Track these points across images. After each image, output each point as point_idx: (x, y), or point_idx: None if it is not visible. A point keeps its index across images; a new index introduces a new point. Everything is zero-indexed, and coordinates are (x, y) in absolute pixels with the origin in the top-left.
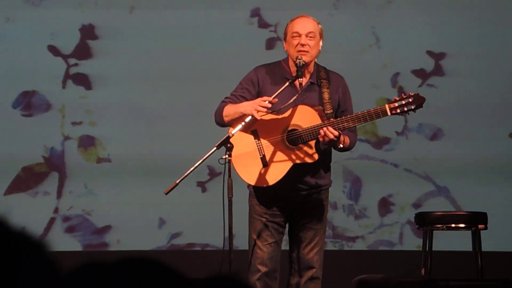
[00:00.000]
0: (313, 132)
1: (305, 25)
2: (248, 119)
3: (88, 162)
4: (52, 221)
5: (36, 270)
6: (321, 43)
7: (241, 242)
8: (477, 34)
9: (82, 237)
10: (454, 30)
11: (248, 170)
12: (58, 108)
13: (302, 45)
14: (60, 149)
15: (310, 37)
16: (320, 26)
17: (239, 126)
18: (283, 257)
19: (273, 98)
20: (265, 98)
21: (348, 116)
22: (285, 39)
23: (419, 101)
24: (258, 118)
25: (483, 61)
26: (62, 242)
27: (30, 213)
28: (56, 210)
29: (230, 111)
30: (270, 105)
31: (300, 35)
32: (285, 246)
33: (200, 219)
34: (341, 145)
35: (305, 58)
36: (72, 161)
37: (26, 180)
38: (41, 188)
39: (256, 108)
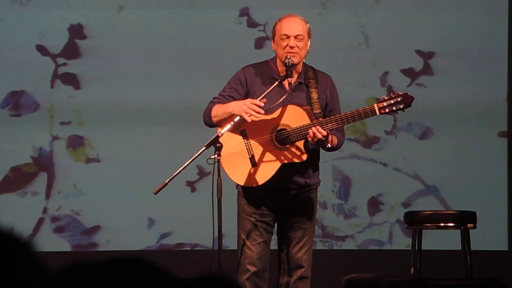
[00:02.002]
0: (302, 132)
1: (293, 27)
2: (237, 119)
3: (77, 162)
4: (41, 221)
5: (23, 271)
6: (309, 43)
7: (231, 242)
8: (466, 34)
9: (71, 237)
10: (443, 30)
11: (236, 170)
12: (46, 108)
13: (291, 47)
14: (49, 149)
15: (299, 39)
16: (308, 25)
17: (228, 126)
18: (272, 257)
19: (262, 99)
20: (254, 101)
21: (337, 115)
22: (273, 38)
23: (407, 100)
24: (249, 120)
25: (472, 60)
26: (51, 242)
27: (18, 213)
28: (45, 210)
29: (219, 111)
30: (262, 111)
31: (288, 37)
32: (274, 245)
33: (189, 219)
34: (329, 145)
35: (294, 60)
36: (61, 161)
37: (15, 180)
38: (29, 188)
39: (245, 110)
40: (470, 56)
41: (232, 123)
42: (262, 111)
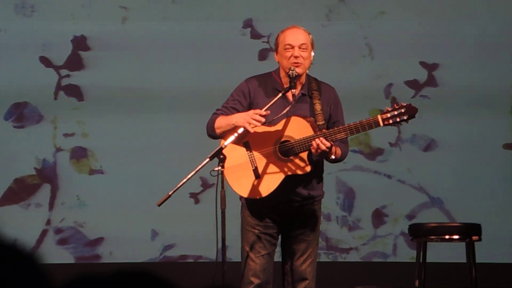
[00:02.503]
0: (306, 144)
1: (297, 37)
2: (240, 130)
3: (81, 174)
4: (44, 233)
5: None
6: (312, 53)
7: (234, 254)
8: (470, 45)
9: (75, 249)
10: (447, 41)
11: (240, 182)
12: (50, 120)
13: (296, 57)
14: (52, 160)
15: (303, 48)
16: (311, 36)
17: (232, 138)
18: (275, 269)
19: (265, 110)
20: (257, 111)
21: (341, 127)
22: (276, 50)
23: (411, 111)
24: (251, 131)
25: (476, 71)
26: (54, 254)
27: (22, 225)
28: (48, 222)
29: (222, 123)
30: (263, 119)
31: (293, 47)
32: (278, 257)
33: (193, 230)
34: (333, 156)
35: (299, 70)
36: (64, 172)
37: (18, 192)
38: (33, 200)
39: (248, 120)
40: (474, 67)
41: (235, 134)
42: (263, 119)
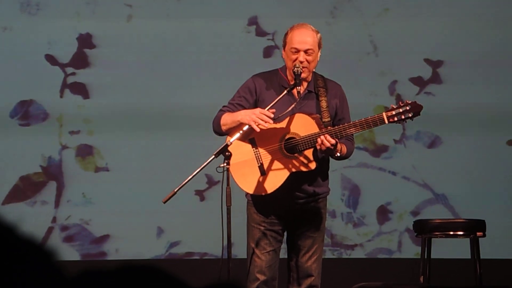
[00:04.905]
0: (311, 141)
1: (304, 40)
2: (246, 127)
3: (86, 171)
4: (50, 230)
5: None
6: (319, 53)
7: (240, 251)
8: (474, 42)
9: (81, 246)
10: (452, 38)
11: (246, 179)
12: (55, 117)
13: (301, 62)
14: (58, 158)
15: (309, 53)
16: (319, 35)
17: (237, 135)
18: (281, 266)
19: (271, 108)
20: (264, 110)
21: (346, 124)
22: (283, 47)
23: (416, 109)
24: (258, 130)
25: (481, 68)
26: (60, 251)
27: (28, 222)
28: (54, 220)
29: (228, 120)
30: (271, 120)
31: (298, 51)
32: (283, 254)
33: (198, 227)
34: (338, 154)
35: (303, 74)
36: (70, 170)
37: (24, 189)
38: (39, 198)
39: (254, 119)
40: (479, 65)
41: (241, 132)
42: (271, 121)
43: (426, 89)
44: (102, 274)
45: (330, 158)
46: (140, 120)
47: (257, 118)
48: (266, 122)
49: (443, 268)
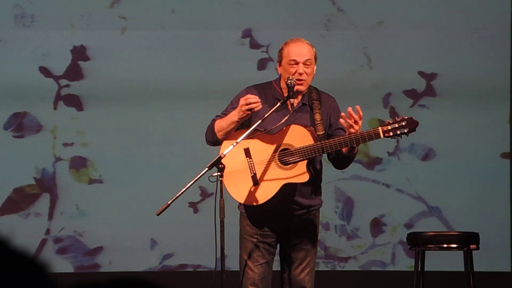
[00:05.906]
0: (305, 152)
1: (302, 52)
2: (240, 138)
3: (80, 183)
4: (43, 242)
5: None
6: (315, 67)
7: (233, 263)
8: (468, 55)
9: (74, 258)
10: (446, 51)
11: (238, 188)
12: (49, 129)
13: (300, 74)
14: (52, 170)
15: (307, 64)
16: (314, 49)
17: (231, 147)
18: (274, 278)
19: (264, 118)
20: (248, 96)
21: (341, 137)
22: (279, 62)
23: (412, 125)
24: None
25: (474, 81)
26: (54, 263)
27: (21, 234)
28: (47, 232)
29: (222, 124)
30: (258, 99)
31: (297, 63)
32: (276, 267)
33: (192, 240)
34: (355, 152)
35: (301, 88)
36: (64, 182)
37: (18, 201)
38: (32, 210)
39: (246, 108)
40: (473, 78)
41: (235, 143)
42: (259, 100)
43: (420, 101)
44: (96, 286)
45: (323, 171)
46: (133, 132)
47: (247, 106)
48: (256, 102)
49: (437, 281)
